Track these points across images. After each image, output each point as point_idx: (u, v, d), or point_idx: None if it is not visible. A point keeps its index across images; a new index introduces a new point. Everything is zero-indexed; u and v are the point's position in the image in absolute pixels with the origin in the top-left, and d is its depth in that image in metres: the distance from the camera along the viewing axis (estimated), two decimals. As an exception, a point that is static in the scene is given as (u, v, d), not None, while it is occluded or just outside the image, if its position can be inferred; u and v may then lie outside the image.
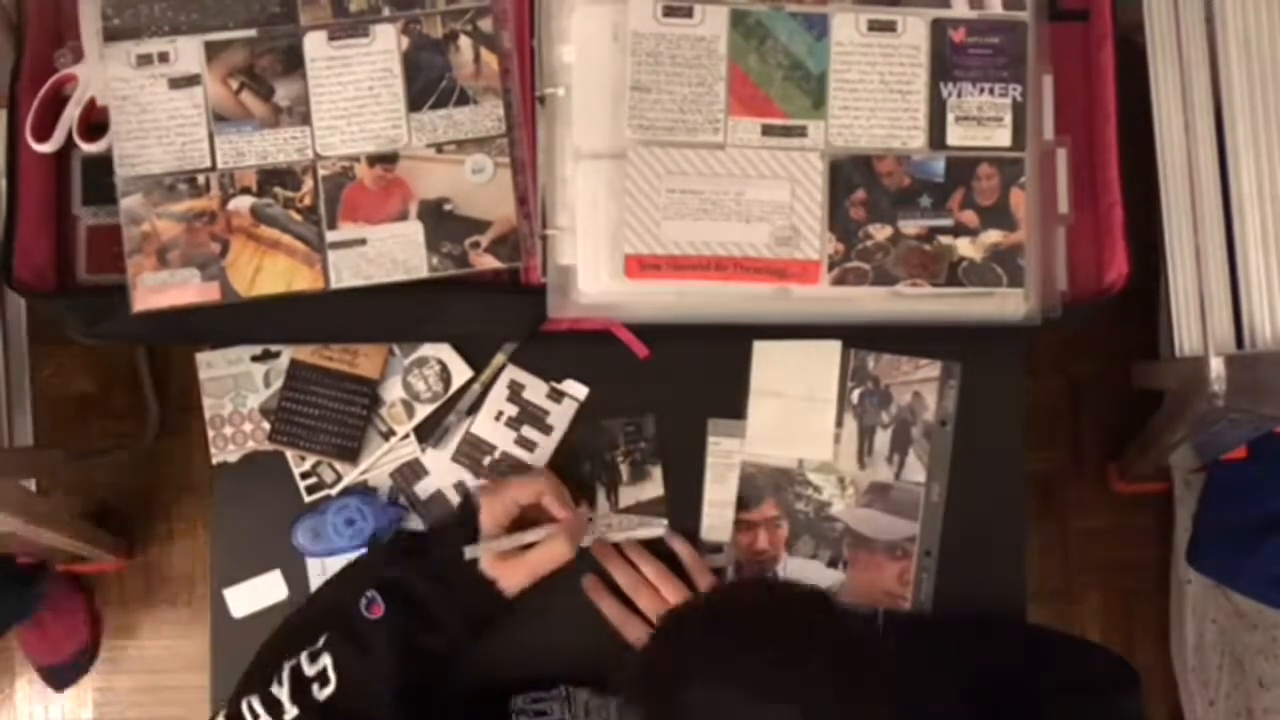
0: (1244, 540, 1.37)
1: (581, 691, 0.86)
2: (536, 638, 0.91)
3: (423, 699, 0.83)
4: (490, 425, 0.93)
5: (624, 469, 0.94)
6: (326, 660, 0.81)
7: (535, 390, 0.93)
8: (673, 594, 0.89)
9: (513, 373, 0.93)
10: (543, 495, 0.86)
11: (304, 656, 0.82)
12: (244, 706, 0.80)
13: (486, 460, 0.93)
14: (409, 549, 0.87)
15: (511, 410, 0.93)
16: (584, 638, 0.90)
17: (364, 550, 0.90)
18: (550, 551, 0.85)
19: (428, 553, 0.86)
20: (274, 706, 0.80)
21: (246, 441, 0.93)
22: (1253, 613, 1.43)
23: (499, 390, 0.93)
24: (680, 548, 0.92)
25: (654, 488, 0.94)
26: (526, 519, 0.87)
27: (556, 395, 0.93)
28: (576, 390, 0.94)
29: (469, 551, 0.84)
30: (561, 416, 0.93)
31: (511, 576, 0.85)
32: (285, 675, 0.81)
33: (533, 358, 0.94)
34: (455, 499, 0.93)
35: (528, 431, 0.93)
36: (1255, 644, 1.43)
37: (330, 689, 0.80)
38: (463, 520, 0.87)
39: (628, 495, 0.94)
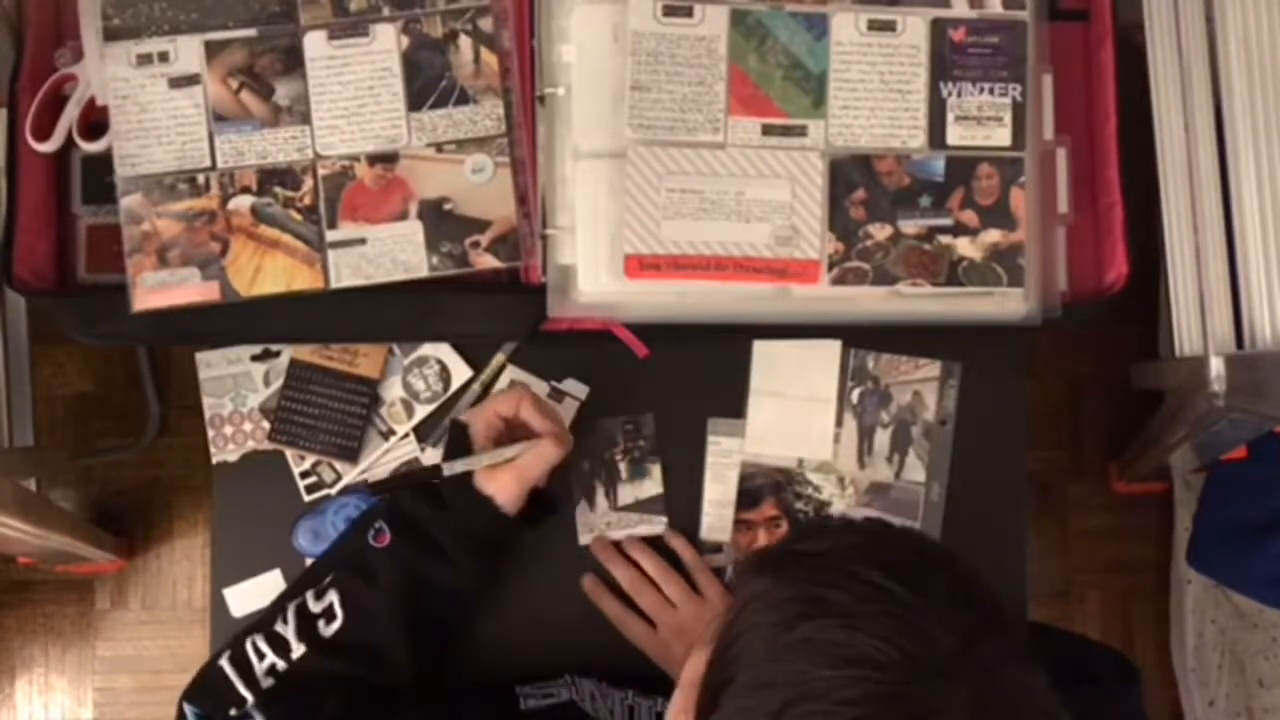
0: (1244, 540, 1.37)
1: (587, 681, 0.86)
2: (541, 630, 0.91)
3: (434, 640, 0.83)
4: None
5: (623, 467, 0.94)
6: (333, 596, 0.80)
7: (537, 390, 0.93)
8: (674, 591, 0.89)
9: (513, 373, 0.93)
10: (521, 404, 0.84)
11: (310, 594, 0.81)
12: (248, 646, 0.79)
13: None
14: (412, 481, 0.87)
15: (512, 410, 0.93)
16: (588, 630, 0.90)
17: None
18: (535, 455, 0.83)
19: (428, 479, 0.85)
20: (280, 644, 0.79)
21: (246, 441, 0.93)
22: (1253, 613, 1.43)
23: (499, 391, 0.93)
24: (680, 546, 0.92)
25: (653, 486, 0.94)
26: (517, 437, 0.85)
27: (558, 395, 0.94)
28: (577, 390, 0.94)
29: (446, 468, 0.82)
30: (564, 415, 0.93)
31: (503, 489, 0.82)
32: (290, 613, 0.80)
33: (533, 357, 0.94)
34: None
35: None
36: (1255, 644, 1.43)
37: (337, 623, 0.79)
38: (453, 444, 0.85)
39: (626, 494, 0.94)
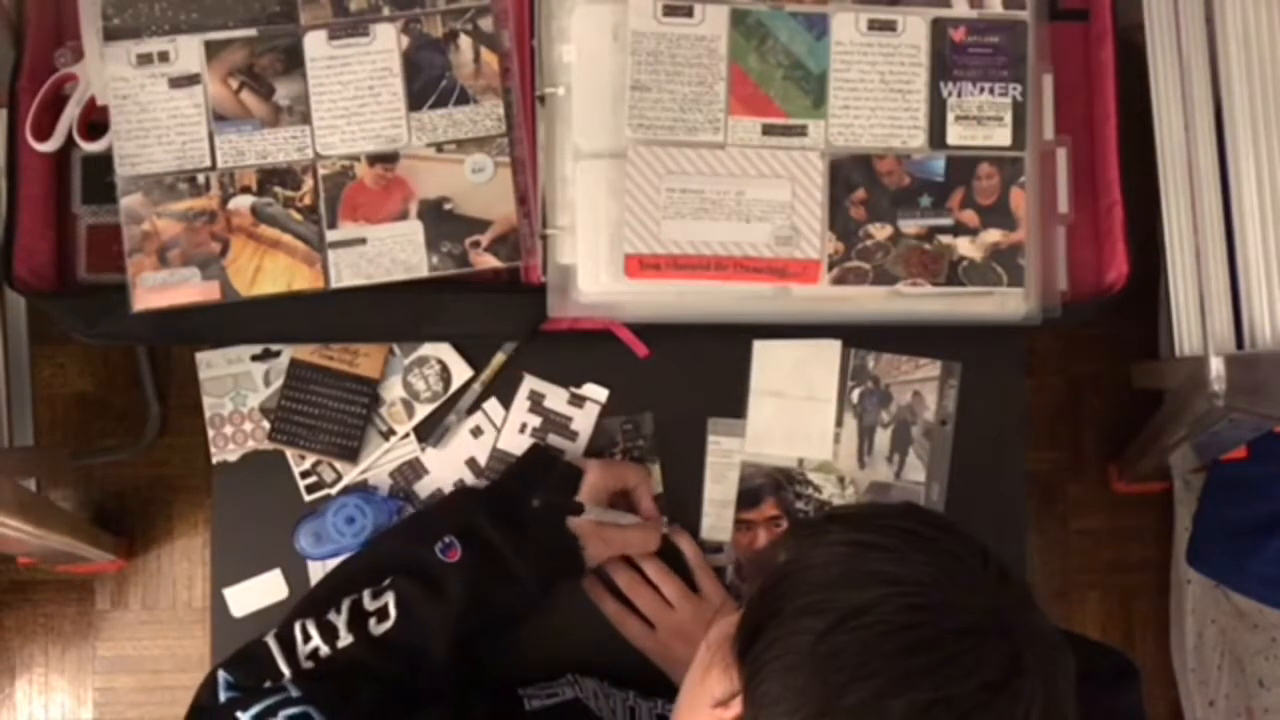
0: (1244, 540, 1.37)
1: (589, 681, 0.86)
2: (542, 630, 0.91)
3: (473, 653, 0.83)
4: (516, 438, 0.93)
5: (623, 468, 0.94)
6: (389, 598, 0.80)
7: (556, 398, 0.93)
8: (672, 592, 0.89)
9: (532, 383, 0.93)
10: (640, 484, 0.90)
11: (366, 593, 0.81)
12: (297, 628, 0.79)
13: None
14: (486, 501, 0.87)
15: (535, 421, 0.93)
16: (590, 631, 0.90)
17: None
18: (641, 537, 0.89)
19: (511, 502, 0.86)
20: (329, 631, 0.79)
21: (246, 441, 0.93)
22: (1253, 613, 1.43)
23: (520, 402, 0.93)
24: (686, 545, 0.92)
25: (653, 485, 0.94)
26: (614, 504, 0.90)
27: (578, 400, 0.93)
28: (597, 393, 0.93)
29: (589, 511, 0.86)
30: (585, 420, 0.93)
31: (599, 546, 0.86)
32: (345, 606, 0.80)
33: (533, 358, 0.94)
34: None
35: (554, 440, 0.93)
36: (1255, 644, 1.43)
37: (388, 624, 0.79)
38: (561, 480, 0.87)
39: (627, 494, 0.94)
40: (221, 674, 0.78)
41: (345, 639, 0.79)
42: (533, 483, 0.88)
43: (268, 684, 0.77)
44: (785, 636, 0.57)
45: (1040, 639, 0.58)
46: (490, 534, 0.83)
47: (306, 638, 0.79)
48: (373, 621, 0.80)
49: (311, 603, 0.83)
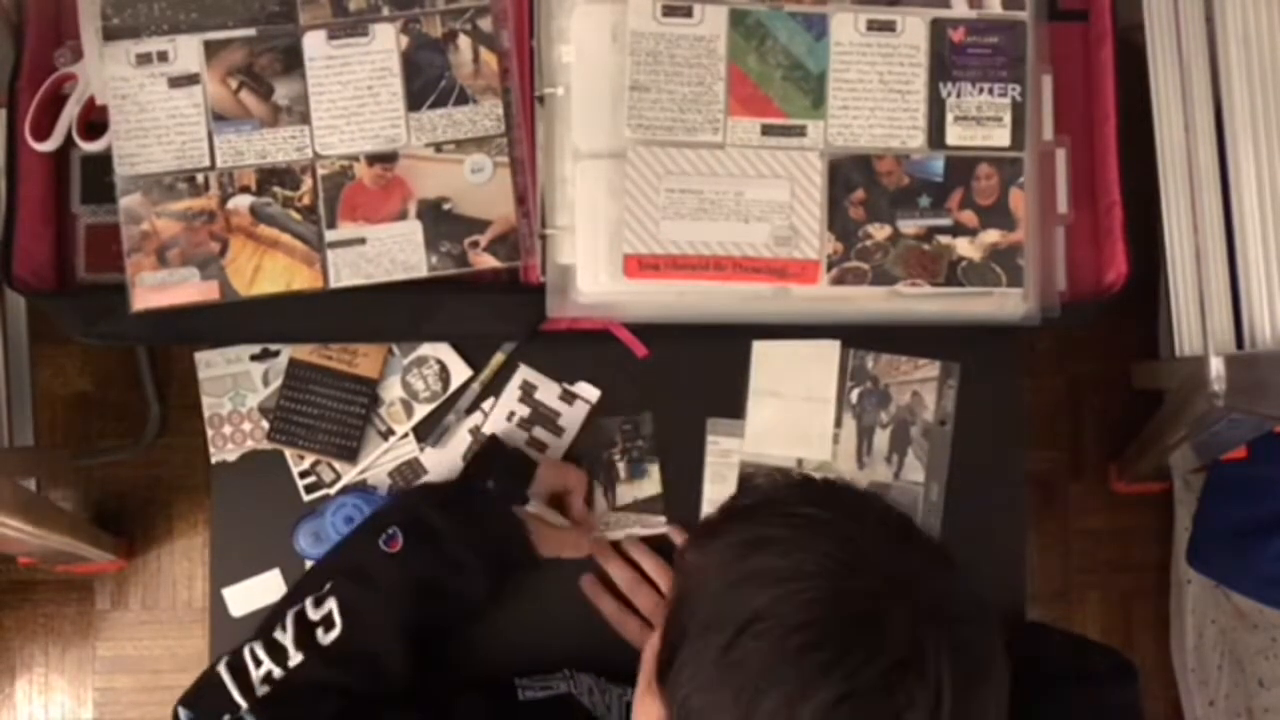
0: (1244, 540, 1.37)
1: (585, 676, 0.86)
2: (540, 626, 0.91)
3: (433, 650, 0.83)
4: (503, 426, 0.93)
5: (621, 467, 0.94)
6: (332, 604, 0.79)
7: (547, 391, 0.93)
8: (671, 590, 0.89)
9: (525, 373, 0.93)
10: (577, 487, 0.91)
11: (309, 601, 0.80)
12: (246, 654, 0.79)
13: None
14: (434, 491, 0.87)
15: (524, 411, 0.93)
16: (586, 627, 0.90)
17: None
18: (577, 540, 0.89)
19: (459, 490, 0.86)
20: (278, 652, 0.78)
21: (246, 441, 0.93)
22: (1253, 613, 1.43)
23: (511, 390, 0.93)
24: (681, 541, 0.92)
25: (651, 486, 0.94)
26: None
27: (569, 397, 0.93)
28: (588, 392, 0.93)
29: (532, 504, 0.87)
30: (573, 418, 0.93)
31: (542, 543, 0.86)
32: (289, 621, 0.79)
33: (532, 357, 0.94)
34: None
35: (539, 433, 0.93)
36: (1255, 644, 1.43)
37: (336, 632, 0.79)
38: (512, 467, 0.88)
39: (625, 493, 0.94)
40: (183, 712, 0.77)
41: (295, 658, 0.78)
42: (485, 471, 0.88)
43: (226, 717, 0.77)
44: (694, 656, 0.58)
45: (943, 598, 0.58)
46: (433, 520, 0.83)
47: (257, 662, 0.78)
48: (320, 632, 0.79)
49: (262, 623, 0.82)
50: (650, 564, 0.90)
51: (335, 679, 0.78)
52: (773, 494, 0.66)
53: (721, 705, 0.56)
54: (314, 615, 0.80)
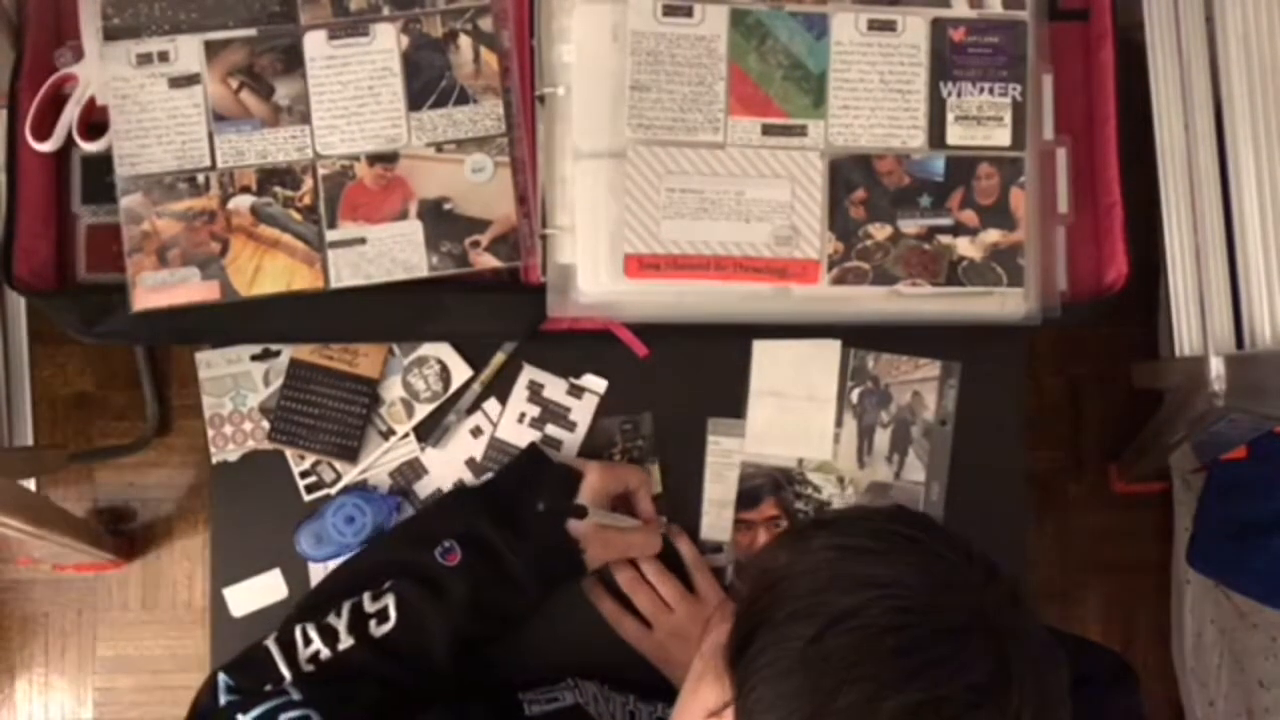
0: (1244, 540, 1.37)
1: (589, 684, 0.86)
2: (543, 633, 0.91)
3: (472, 656, 0.83)
4: (514, 428, 0.93)
5: (622, 468, 0.94)
6: (390, 600, 0.80)
7: (555, 388, 0.93)
8: (670, 593, 0.89)
9: (531, 373, 0.93)
10: (640, 487, 0.90)
11: (366, 596, 0.81)
12: (297, 631, 0.79)
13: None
14: (484, 504, 0.87)
15: (534, 411, 0.93)
16: (590, 634, 0.90)
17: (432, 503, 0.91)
18: (643, 540, 0.89)
19: (509, 505, 0.86)
20: (329, 634, 0.79)
21: (246, 441, 0.93)
22: (1253, 613, 1.43)
23: (519, 392, 0.93)
24: (683, 545, 0.92)
25: (653, 485, 0.94)
26: (615, 508, 0.90)
27: (577, 391, 0.93)
28: (596, 384, 0.94)
29: (592, 514, 0.85)
30: (583, 412, 0.93)
31: (600, 549, 0.86)
32: (345, 609, 0.80)
33: (535, 357, 0.94)
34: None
35: (552, 430, 0.93)
36: (1256, 644, 1.43)
37: (389, 626, 0.80)
38: (559, 482, 0.87)
39: (627, 495, 0.94)
40: (222, 677, 0.78)
41: (346, 641, 0.79)
42: (531, 484, 0.88)
43: (268, 687, 0.77)
44: (775, 643, 0.57)
45: (1028, 637, 0.58)
46: (491, 537, 0.83)
47: (307, 641, 0.79)
48: (373, 623, 0.80)
49: (311, 606, 0.83)
50: (650, 566, 0.90)
51: (381, 669, 0.79)
52: (862, 511, 0.66)
53: (797, 694, 0.56)
54: (371, 608, 0.80)
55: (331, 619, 0.80)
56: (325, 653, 0.79)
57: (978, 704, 0.55)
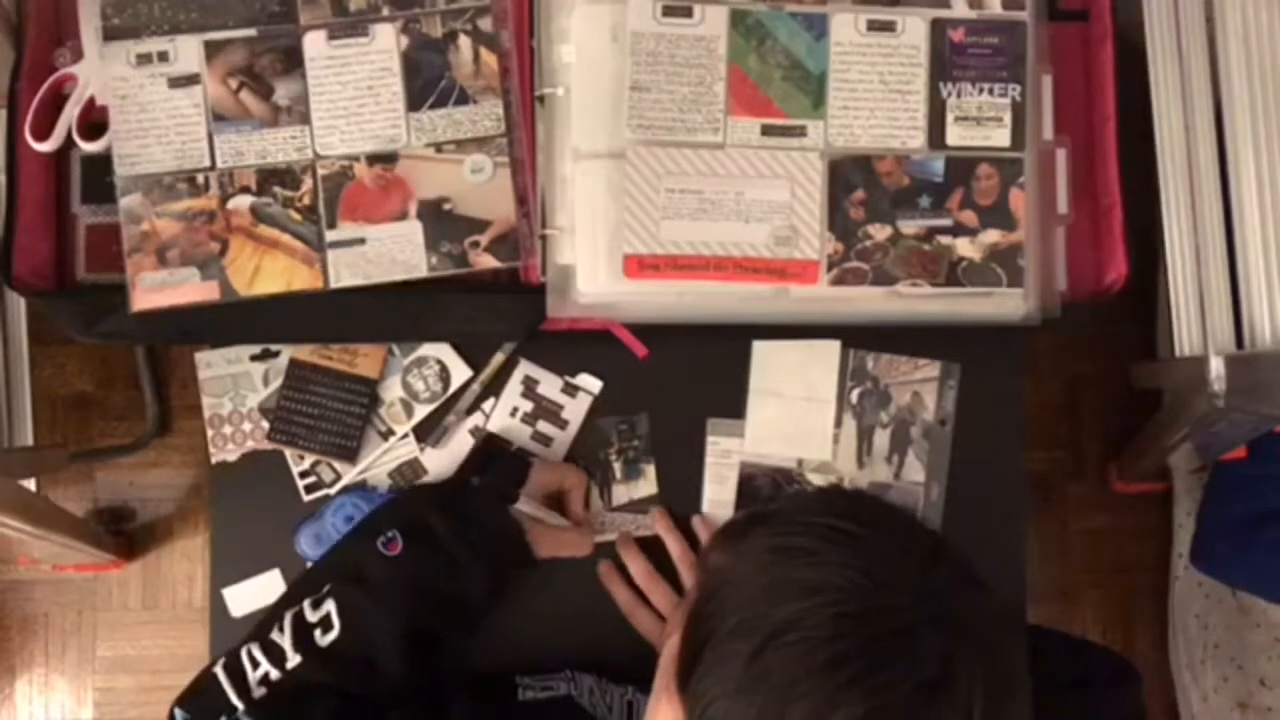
0: (1245, 539, 1.37)
1: (587, 676, 0.86)
2: (542, 623, 0.91)
3: (431, 651, 0.83)
4: (506, 421, 0.93)
5: (617, 468, 0.94)
6: (330, 606, 0.79)
7: (549, 385, 0.93)
8: (691, 579, 0.89)
9: (527, 368, 0.93)
10: (575, 489, 0.91)
11: (307, 604, 0.80)
12: (244, 654, 0.78)
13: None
14: (433, 493, 0.87)
15: (526, 406, 0.93)
16: (590, 625, 0.91)
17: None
18: (577, 540, 0.89)
19: (456, 491, 0.86)
20: (275, 652, 0.78)
21: (246, 441, 0.93)
22: (1256, 612, 1.43)
23: (513, 386, 0.93)
24: (672, 543, 0.91)
25: (647, 486, 0.94)
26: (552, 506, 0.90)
27: (571, 390, 0.94)
28: (590, 384, 0.94)
29: (523, 503, 0.86)
30: (576, 411, 0.93)
31: (539, 541, 0.86)
32: (287, 622, 0.79)
33: (533, 356, 0.94)
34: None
35: (543, 426, 0.93)
36: (1258, 643, 1.43)
37: (334, 634, 0.78)
38: (507, 466, 0.88)
39: (620, 493, 0.94)
40: (178, 713, 0.77)
41: (293, 659, 0.78)
42: (477, 468, 0.88)
43: (223, 719, 0.77)
44: (718, 663, 0.58)
45: (974, 618, 0.58)
46: (432, 521, 0.83)
47: (255, 664, 0.78)
48: (318, 634, 0.79)
49: (259, 624, 0.82)
50: (676, 549, 0.90)
51: (332, 680, 0.78)
52: (798, 502, 0.66)
53: (745, 715, 0.56)
54: (312, 617, 0.79)
55: (275, 635, 0.79)
56: (274, 673, 0.78)
57: (926, 703, 0.54)
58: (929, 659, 0.55)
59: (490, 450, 0.90)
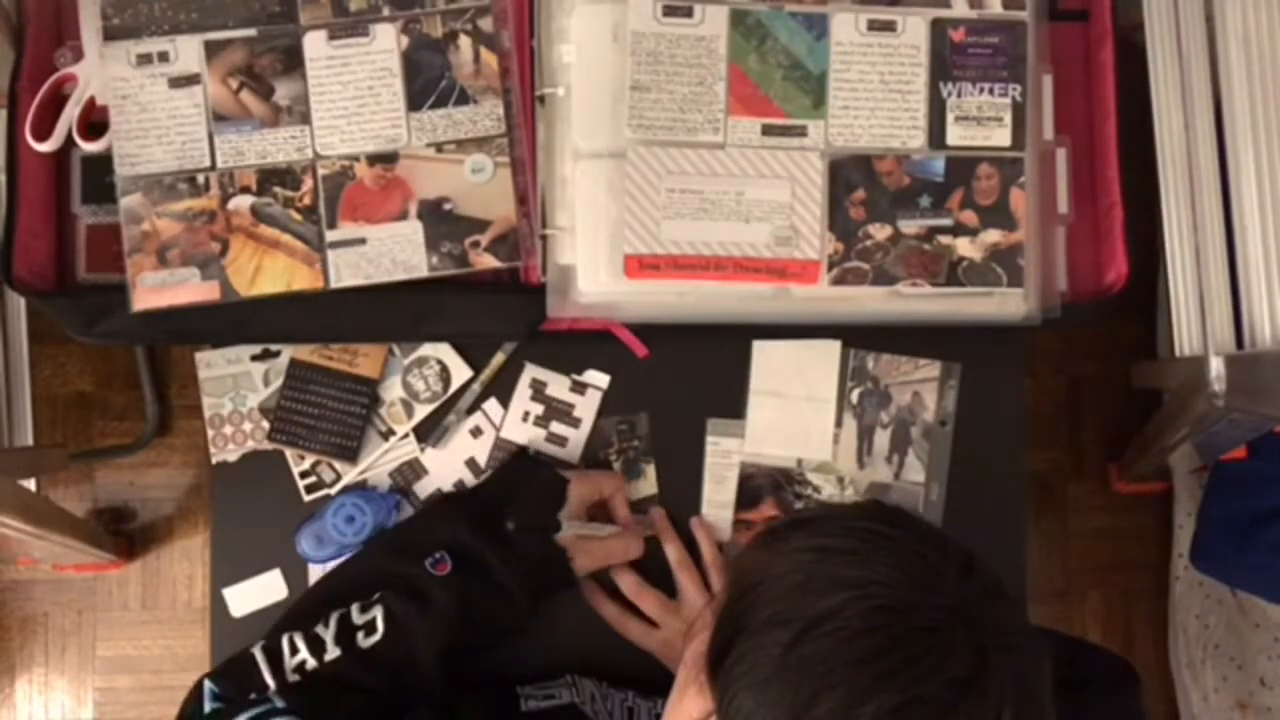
0: (1245, 539, 1.37)
1: (587, 681, 0.86)
2: (542, 629, 0.91)
3: (462, 664, 0.83)
4: (519, 427, 0.93)
5: (617, 467, 0.94)
6: (378, 612, 0.80)
7: (558, 385, 0.93)
8: (689, 583, 0.89)
9: (533, 371, 0.93)
10: (616, 493, 0.91)
11: (355, 607, 0.81)
12: (284, 640, 0.79)
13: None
14: (469, 512, 0.87)
15: (537, 409, 0.93)
16: (589, 631, 0.91)
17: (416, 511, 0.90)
18: (624, 545, 0.89)
19: (496, 514, 0.86)
20: (316, 644, 0.79)
21: (246, 441, 0.93)
22: (1256, 612, 1.43)
23: (522, 391, 0.93)
24: (670, 546, 0.91)
25: (648, 486, 0.94)
26: (594, 516, 0.90)
27: (579, 387, 0.94)
28: (599, 379, 0.94)
29: (566, 527, 0.86)
30: (587, 408, 0.93)
31: (585, 558, 0.86)
32: (333, 620, 0.80)
33: (535, 357, 0.94)
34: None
35: (557, 427, 0.93)
36: (1258, 643, 1.43)
37: (376, 638, 0.79)
38: (544, 489, 0.88)
39: (625, 494, 0.94)
40: (207, 684, 0.78)
41: (333, 653, 0.79)
42: (516, 492, 0.88)
43: (253, 695, 0.77)
44: (753, 651, 0.57)
45: (1007, 629, 0.58)
46: (479, 548, 0.83)
47: (294, 650, 0.79)
48: (360, 635, 0.80)
49: (299, 615, 0.82)
50: (675, 555, 0.90)
51: (366, 680, 0.79)
52: (839, 510, 0.66)
53: (777, 702, 0.56)
54: (359, 620, 0.80)
55: (319, 629, 0.80)
56: (311, 663, 0.78)
57: (957, 701, 0.55)
58: (963, 658, 0.55)
59: (523, 466, 0.90)
